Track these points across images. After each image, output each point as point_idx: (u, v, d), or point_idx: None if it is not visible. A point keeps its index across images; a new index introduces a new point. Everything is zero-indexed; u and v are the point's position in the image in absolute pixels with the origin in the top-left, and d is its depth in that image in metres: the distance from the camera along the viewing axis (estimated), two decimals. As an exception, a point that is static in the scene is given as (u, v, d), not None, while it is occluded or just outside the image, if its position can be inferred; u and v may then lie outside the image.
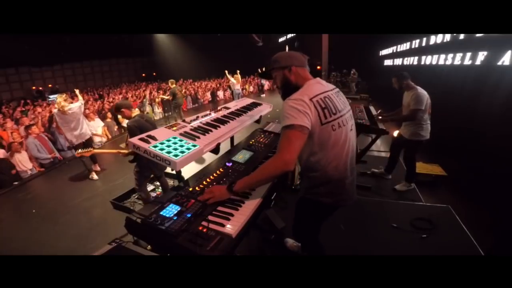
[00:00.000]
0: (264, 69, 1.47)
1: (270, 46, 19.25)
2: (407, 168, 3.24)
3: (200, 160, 2.06)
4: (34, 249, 2.76)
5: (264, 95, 14.10)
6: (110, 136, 6.98)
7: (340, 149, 1.31)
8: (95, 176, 4.51)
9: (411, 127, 3.00)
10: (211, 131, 1.74)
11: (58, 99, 4.13)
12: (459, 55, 3.64)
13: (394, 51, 7.09)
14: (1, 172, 4.37)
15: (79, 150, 2.66)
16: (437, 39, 4.47)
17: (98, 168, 4.75)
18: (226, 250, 1.03)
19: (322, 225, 1.59)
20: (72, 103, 4.39)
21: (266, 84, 15.95)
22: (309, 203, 1.44)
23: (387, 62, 7.91)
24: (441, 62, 4.14)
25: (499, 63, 2.83)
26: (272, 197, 1.65)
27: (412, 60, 5.60)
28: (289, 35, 17.81)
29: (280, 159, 1.19)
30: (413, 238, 2.37)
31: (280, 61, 1.39)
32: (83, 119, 4.46)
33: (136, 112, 2.87)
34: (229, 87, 12.75)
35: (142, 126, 2.67)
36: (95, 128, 6.32)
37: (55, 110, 4.22)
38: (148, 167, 2.79)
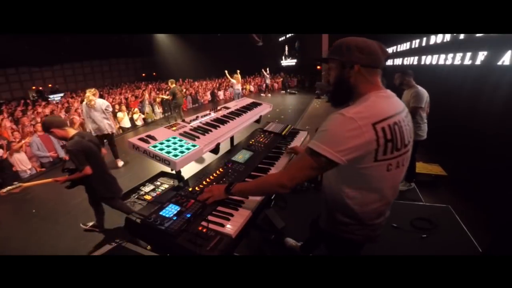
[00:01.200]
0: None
1: (270, 46, 19.27)
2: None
3: (200, 160, 2.06)
4: (34, 249, 2.76)
5: (263, 95, 13.81)
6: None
7: (387, 191, 1.04)
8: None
9: None
10: (211, 131, 1.74)
11: (88, 93, 4.61)
12: (459, 55, 3.63)
13: (394, 50, 7.08)
14: (1, 171, 4.38)
15: (5, 189, 2.39)
16: (437, 39, 4.47)
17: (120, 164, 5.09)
18: (226, 250, 1.03)
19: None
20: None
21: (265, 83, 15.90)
22: (336, 240, 1.22)
23: (387, 62, 7.91)
24: (441, 62, 4.13)
25: (499, 63, 2.83)
26: (272, 197, 1.64)
27: (412, 60, 5.60)
28: (288, 35, 17.82)
29: (280, 181, 1.02)
30: (413, 238, 2.37)
31: (344, 51, 1.00)
32: (104, 116, 4.77)
33: (72, 131, 2.37)
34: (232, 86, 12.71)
35: (86, 148, 2.28)
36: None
37: (84, 103, 4.71)
38: (96, 189, 2.46)
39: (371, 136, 0.88)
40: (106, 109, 4.73)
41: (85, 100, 4.64)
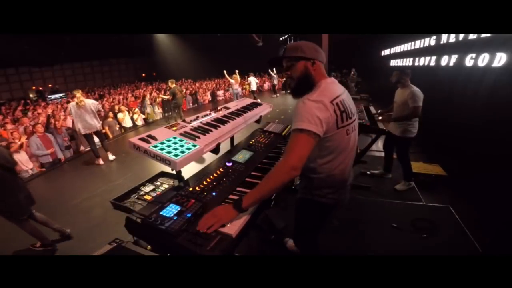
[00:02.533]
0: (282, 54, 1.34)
1: (270, 46, 19.27)
2: (402, 166, 3.26)
3: (200, 160, 2.06)
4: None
5: (275, 95, 13.13)
6: (111, 136, 7.00)
7: (349, 153, 1.31)
8: (101, 162, 5.18)
9: (403, 125, 3.06)
10: (211, 131, 1.74)
11: (78, 94, 4.80)
12: (459, 56, 3.64)
13: (396, 51, 7.09)
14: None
15: None
16: (438, 39, 4.47)
17: (101, 162, 5.23)
18: (226, 250, 1.03)
19: (322, 226, 1.59)
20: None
21: (267, 84, 15.93)
22: (309, 203, 1.42)
23: (388, 62, 7.91)
24: (442, 62, 4.14)
25: (499, 64, 2.83)
26: (272, 197, 1.64)
27: (412, 60, 5.60)
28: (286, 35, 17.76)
29: (288, 164, 1.11)
30: (413, 238, 2.37)
31: (305, 51, 1.26)
32: (93, 115, 4.98)
33: None
34: (248, 85, 12.65)
35: None
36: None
37: (72, 103, 4.84)
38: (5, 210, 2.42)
39: (331, 109, 1.17)
40: (96, 108, 4.98)
41: (76, 100, 4.76)
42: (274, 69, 13.23)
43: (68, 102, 9.77)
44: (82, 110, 4.77)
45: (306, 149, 1.12)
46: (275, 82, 13.54)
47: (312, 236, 1.64)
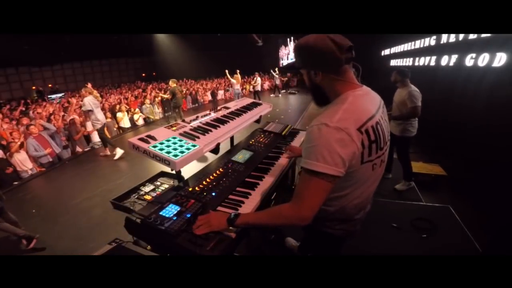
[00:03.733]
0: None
1: (270, 46, 19.27)
2: (402, 166, 3.27)
3: (200, 160, 2.06)
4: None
5: (273, 95, 13.19)
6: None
7: (370, 185, 1.04)
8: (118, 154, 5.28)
9: (401, 124, 3.07)
10: (211, 131, 1.74)
11: (91, 88, 5.20)
12: (459, 56, 3.63)
13: (396, 51, 7.08)
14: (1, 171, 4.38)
15: None
16: (438, 39, 4.47)
17: (108, 153, 5.44)
18: (226, 250, 1.03)
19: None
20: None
21: (266, 83, 15.95)
22: (316, 234, 1.20)
23: (389, 62, 7.91)
24: (442, 62, 4.13)
25: (499, 64, 2.83)
26: (272, 197, 1.64)
27: (412, 60, 5.60)
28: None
29: (297, 214, 0.91)
30: (413, 238, 2.37)
31: (302, 57, 0.99)
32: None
33: None
34: (253, 85, 12.77)
35: None
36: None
37: (89, 97, 5.05)
38: None
39: (359, 140, 0.86)
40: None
41: (93, 94, 5.11)
42: (276, 69, 13.11)
43: (68, 102, 9.77)
44: (97, 102, 5.17)
45: (321, 197, 0.89)
46: (277, 82, 13.33)
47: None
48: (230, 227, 1.08)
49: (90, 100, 5.01)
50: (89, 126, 6.30)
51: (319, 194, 0.88)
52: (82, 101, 5.15)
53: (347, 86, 0.95)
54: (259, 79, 12.44)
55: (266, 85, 15.87)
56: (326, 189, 0.88)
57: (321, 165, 0.84)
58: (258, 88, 12.34)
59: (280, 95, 13.30)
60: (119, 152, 5.27)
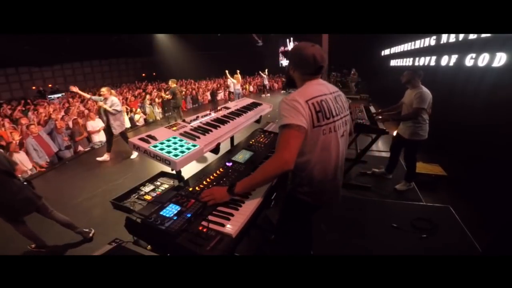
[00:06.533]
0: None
1: (270, 46, 19.28)
2: (407, 168, 3.24)
3: (200, 160, 2.06)
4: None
5: (264, 95, 14.13)
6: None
7: (329, 153, 1.33)
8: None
9: (411, 127, 3.00)
10: (211, 131, 1.74)
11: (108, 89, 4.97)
12: (459, 56, 3.64)
13: (396, 51, 7.08)
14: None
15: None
16: (438, 39, 4.48)
17: (108, 158, 5.21)
18: (226, 250, 1.03)
19: (301, 224, 1.61)
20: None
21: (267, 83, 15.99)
22: (292, 200, 1.46)
23: (389, 62, 7.91)
24: (442, 62, 4.14)
25: (499, 64, 2.83)
26: (272, 197, 1.64)
27: (412, 60, 5.60)
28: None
29: (280, 159, 1.18)
30: (413, 238, 2.37)
31: (292, 57, 1.40)
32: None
33: None
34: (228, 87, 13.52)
35: None
36: (95, 128, 6.35)
37: (114, 98, 4.88)
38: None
39: (306, 107, 1.23)
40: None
41: (115, 96, 5.02)
42: (266, 70, 14.31)
43: (68, 101, 9.77)
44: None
45: (295, 142, 1.19)
46: (266, 82, 14.53)
47: (293, 231, 1.62)
48: (232, 196, 1.28)
49: (117, 102, 4.82)
50: (89, 126, 6.29)
51: (294, 140, 1.19)
52: (102, 100, 4.85)
53: (307, 81, 1.36)
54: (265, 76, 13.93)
55: (251, 87, 16.21)
56: (298, 135, 1.20)
57: (288, 119, 1.20)
58: (265, 82, 14.21)
59: (269, 94, 14.44)
60: (105, 157, 5.23)
